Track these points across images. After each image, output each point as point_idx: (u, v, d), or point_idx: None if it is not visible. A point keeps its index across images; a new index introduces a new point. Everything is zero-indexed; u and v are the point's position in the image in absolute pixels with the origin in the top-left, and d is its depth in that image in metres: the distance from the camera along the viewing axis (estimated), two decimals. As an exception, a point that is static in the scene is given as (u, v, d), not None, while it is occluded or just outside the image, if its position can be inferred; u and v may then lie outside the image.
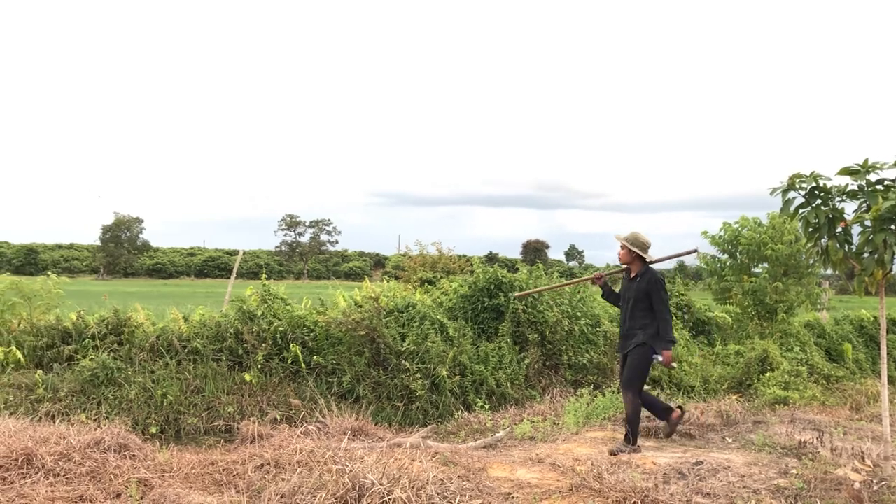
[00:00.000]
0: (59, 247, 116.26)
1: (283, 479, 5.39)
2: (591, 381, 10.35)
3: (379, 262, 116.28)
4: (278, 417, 8.24)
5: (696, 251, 7.99)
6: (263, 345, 9.22)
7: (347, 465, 5.32)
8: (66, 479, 5.48)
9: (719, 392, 11.04)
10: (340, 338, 9.58)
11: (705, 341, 13.90)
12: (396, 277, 13.78)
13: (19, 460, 5.54)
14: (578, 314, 11.11)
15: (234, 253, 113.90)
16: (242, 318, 9.56)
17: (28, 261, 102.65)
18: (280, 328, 9.37)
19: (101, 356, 8.56)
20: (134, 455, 5.99)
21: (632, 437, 6.98)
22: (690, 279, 22.24)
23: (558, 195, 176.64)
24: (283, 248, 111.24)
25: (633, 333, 7.11)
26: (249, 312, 9.61)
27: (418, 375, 9.09)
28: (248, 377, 8.83)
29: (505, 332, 10.39)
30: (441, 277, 16.51)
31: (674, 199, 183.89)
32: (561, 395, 9.73)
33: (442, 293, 12.08)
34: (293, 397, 8.72)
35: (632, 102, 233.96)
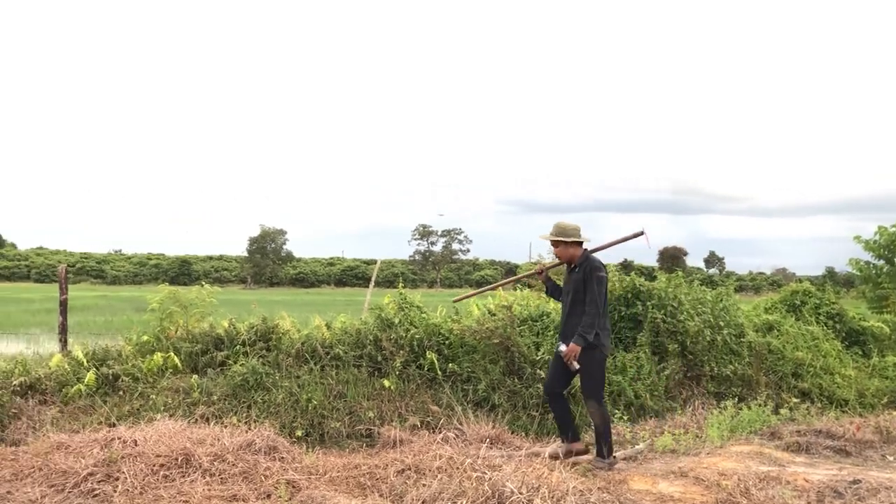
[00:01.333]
0: (210, 258, 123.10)
1: (423, 485, 5.47)
2: (734, 394, 9.93)
3: (510, 270, 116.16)
4: (418, 423, 8.39)
5: (642, 233, 6.95)
6: (401, 352, 9.41)
7: (486, 473, 5.34)
8: (221, 478, 5.79)
9: (877, 407, 10.35)
10: (475, 346, 9.64)
11: (860, 352, 13.04)
12: (529, 286, 13.73)
13: (179, 460, 5.91)
14: (721, 323, 10.69)
15: (370, 262, 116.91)
16: (381, 325, 9.79)
17: (182, 271, 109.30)
18: (416, 336, 9.54)
19: (250, 362, 8.98)
20: (282, 457, 6.26)
21: (605, 451, 6.43)
22: (841, 286, 21.00)
23: (696, 199, 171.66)
24: (417, 257, 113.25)
25: (574, 332, 6.37)
26: (387, 320, 9.84)
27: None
28: (387, 383, 9.04)
29: (643, 343, 10.13)
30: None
31: (820, 201, 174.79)
32: (703, 408, 9.38)
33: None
34: (431, 404, 8.86)
35: (769, 100, 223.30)
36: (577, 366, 6.34)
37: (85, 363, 9.17)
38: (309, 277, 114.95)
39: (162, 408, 8.36)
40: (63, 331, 10.30)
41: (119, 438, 6.36)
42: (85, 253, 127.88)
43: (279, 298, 50.92)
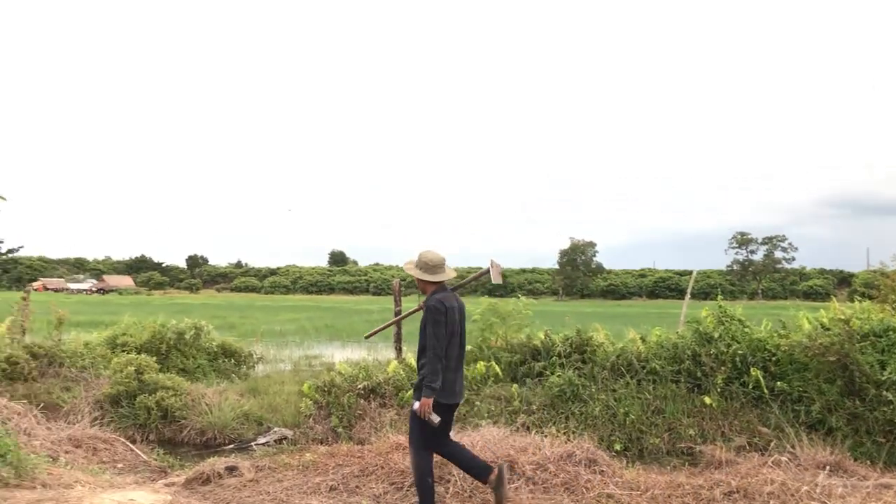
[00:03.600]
0: (524, 271, 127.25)
1: (752, 511, 5.15)
2: None
3: (843, 279, 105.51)
4: (746, 444, 7.91)
5: (488, 271, 6.30)
6: (722, 368, 8.96)
7: (827, 503, 4.88)
8: (544, 487, 5.95)
9: None
10: (806, 363, 8.85)
11: None
12: (869, 297, 12.31)
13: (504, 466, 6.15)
14: None
15: (683, 273, 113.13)
16: (699, 339, 9.41)
17: (498, 284, 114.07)
18: (739, 351, 9.02)
19: (566, 373, 9.13)
20: (602, 471, 6.26)
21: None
22: None
23: None
24: (735, 267, 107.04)
25: (420, 374, 5.65)
26: (706, 334, 9.42)
27: (905, 409, 7.98)
28: (707, 400, 8.65)
29: None
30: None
31: None
32: None
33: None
34: (758, 424, 8.30)
35: None
36: (436, 419, 5.52)
37: (417, 370, 9.95)
38: (619, 289, 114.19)
39: (486, 415, 8.79)
40: (398, 339, 11.25)
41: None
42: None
43: (590, 310, 51.15)
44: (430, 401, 5.48)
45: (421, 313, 5.83)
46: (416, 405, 5.56)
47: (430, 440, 5.68)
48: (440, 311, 5.62)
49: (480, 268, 7.02)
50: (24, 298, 13.61)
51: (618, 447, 8.22)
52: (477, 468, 5.74)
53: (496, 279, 6.40)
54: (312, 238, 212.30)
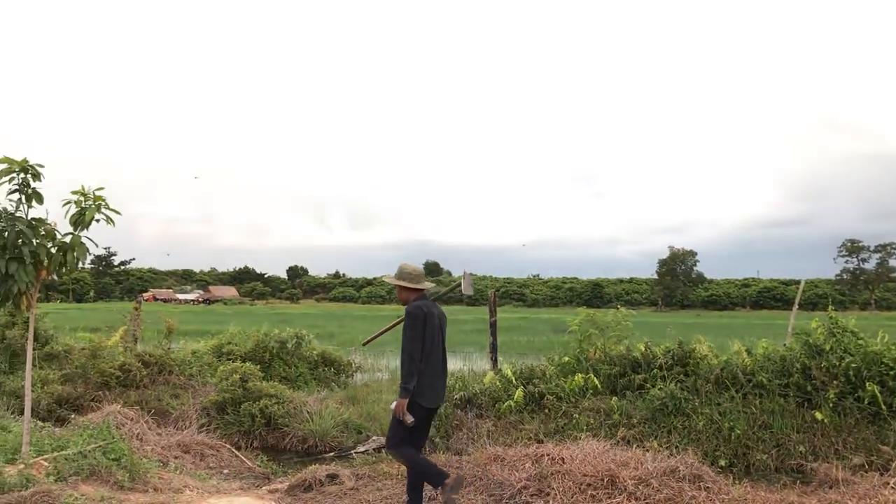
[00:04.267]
0: (621, 281, 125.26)
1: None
2: None
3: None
4: (865, 464, 7.49)
5: (459, 285, 6.75)
6: (834, 382, 8.53)
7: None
8: (646, 503, 5.79)
9: None
10: (930, 378, 8.35)
11: None
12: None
13: (605, 481, 6.04)
14: None
15: (788, 283, 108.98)
16: (809, 352, 9.01)
17: (594, 294, 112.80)
18: (853, 364, 8.57)
19: (668, 386, 8.89)
20: (708, 487, 6.05)
21: (435, 482, 5.82)
22: None
23: None
24: (845, 276, 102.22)
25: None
26: (817, 347, 9.01)
27: None
28: (819, 416, 8.26)
29: None
30: None
31: None
32: None
33: None
34: (876, 442, 7.86)
35: None
36: (410, 419, 5.71)
37: (513, 381, 9.91)
38: (721, 300, 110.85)
39: (584, 427, 8.65)
40: (494, 350, 11.22)
41: (548, 455, 6.72)
42: (508, 278, 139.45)
43: (691, 322, 49.81)
44: (405, 402, 5.72)
45: None
46: (394, 405, 5.81)
47: (407, 440, 5.90)
48: (418, 316, 5.91)
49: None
50: (136, 309, 14.28)
51: (723, 463, 7.92)
52: (434, 475, 5.90)
53: (467, 290, 6.66)
54: (405, 249, 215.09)
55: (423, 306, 6.02)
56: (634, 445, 7.70)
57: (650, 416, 8.73)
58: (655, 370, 9.49)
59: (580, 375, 9.70)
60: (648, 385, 9.28)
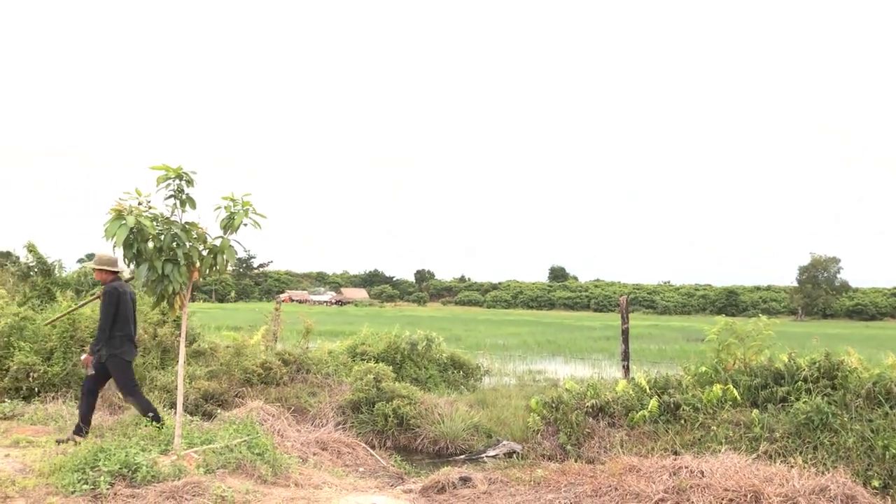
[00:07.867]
0: (758, 288, 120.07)
1: None
2: None
3: None
4: None
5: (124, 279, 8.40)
6: None
7: None
8: (795, 522, 5.51)
9: None
10: None
11: None
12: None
13: (748, 496, 5.80)
14: None
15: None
16: (975, 368, 8.34)
17: (729, 302, 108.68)
18: None
19: (814, 399, 8.43)
20: (862, 509, 5.70)
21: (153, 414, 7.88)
22: None
23: None
24: None
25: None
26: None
27: None
28: None
29: None
30: None
31: None
32: None
33: None
34: None
35: None
36: (91, 371, 8.05)
37: (647, 390, 9.67)
38: (868, 309, 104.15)
39: (723, 440, 8.33)
40: (625, 357, 11.01)
41: (686, 467, 6.52)
42: (637, 284, 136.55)
43: (836, 332, 47.05)
44: (91, 357, 8.01)
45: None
46: (83, 357, 8.22)
47: (131, 383, 8.07)
48: (114, 294, 7.94)
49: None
50: (276, 309, 14.90)
51: (876, 483, 7.43)
52: (85, 419, 7.96)
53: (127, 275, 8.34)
54: (532, 254, 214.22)
55: (119, 287, 8.05)
56: (778, 461, 7.35)
57: (794, 430, 8.30)
58: (800, 382, 9.02)
59: (718, 386, 9.36)
60: (792, 398, 8.84)
